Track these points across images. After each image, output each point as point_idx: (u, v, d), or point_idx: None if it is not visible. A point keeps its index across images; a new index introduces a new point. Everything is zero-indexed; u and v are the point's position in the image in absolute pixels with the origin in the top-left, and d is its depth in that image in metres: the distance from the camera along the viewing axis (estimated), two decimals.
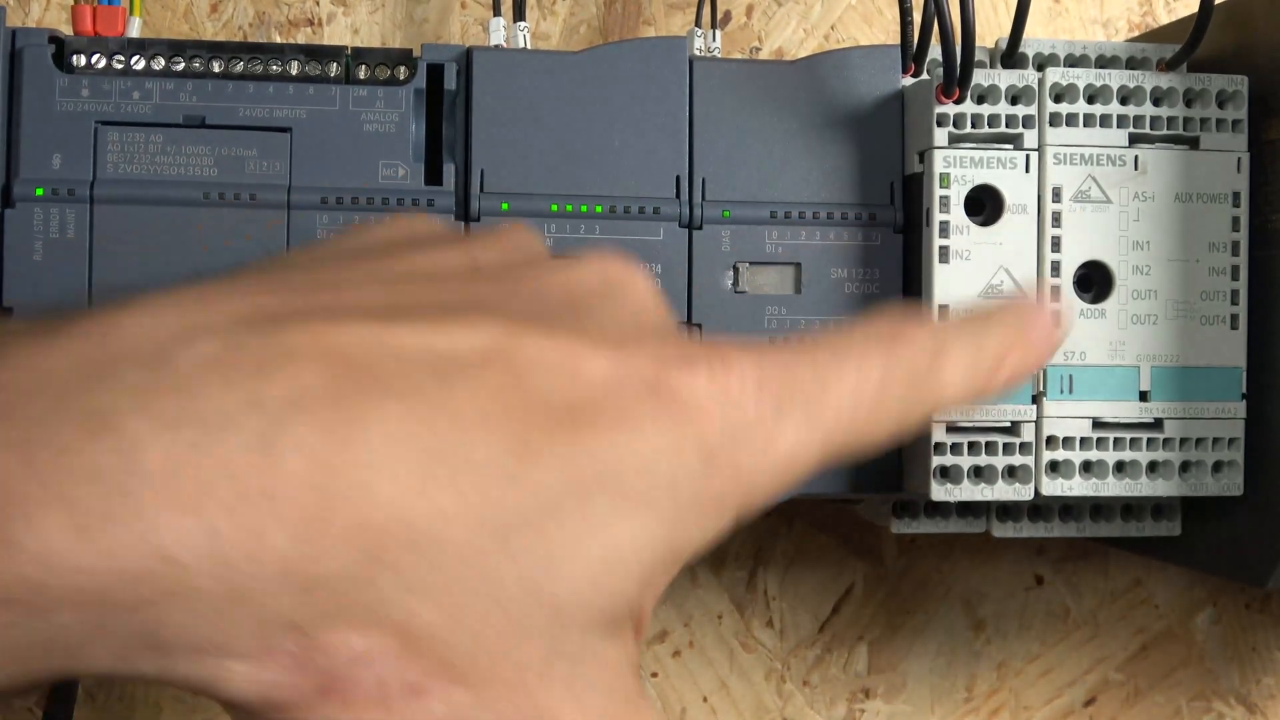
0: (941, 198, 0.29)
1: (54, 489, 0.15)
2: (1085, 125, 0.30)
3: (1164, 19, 0.39)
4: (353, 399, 0.17)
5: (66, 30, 0.31)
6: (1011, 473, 0.30)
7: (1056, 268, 0.30)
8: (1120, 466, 0.30)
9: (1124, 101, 0.30)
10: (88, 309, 0.17)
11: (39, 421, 0.15)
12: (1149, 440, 0.30)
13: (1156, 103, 0.30)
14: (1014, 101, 0.30)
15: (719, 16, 0.37)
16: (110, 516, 0.15)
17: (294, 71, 0.30)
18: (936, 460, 0.29)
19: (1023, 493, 0.30)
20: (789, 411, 0.19)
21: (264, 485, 0.16)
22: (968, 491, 0.30)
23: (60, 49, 0.29)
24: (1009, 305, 0.26)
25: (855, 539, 0.38)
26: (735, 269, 0.31)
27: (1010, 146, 0.30)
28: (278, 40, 0.37)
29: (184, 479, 0.15)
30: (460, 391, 0.17)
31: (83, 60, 0.30)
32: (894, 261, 0.31)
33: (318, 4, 0.37)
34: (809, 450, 0.20)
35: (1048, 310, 0.26)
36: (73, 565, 0.15)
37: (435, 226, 0.24)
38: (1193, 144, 0.30)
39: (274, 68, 0.30)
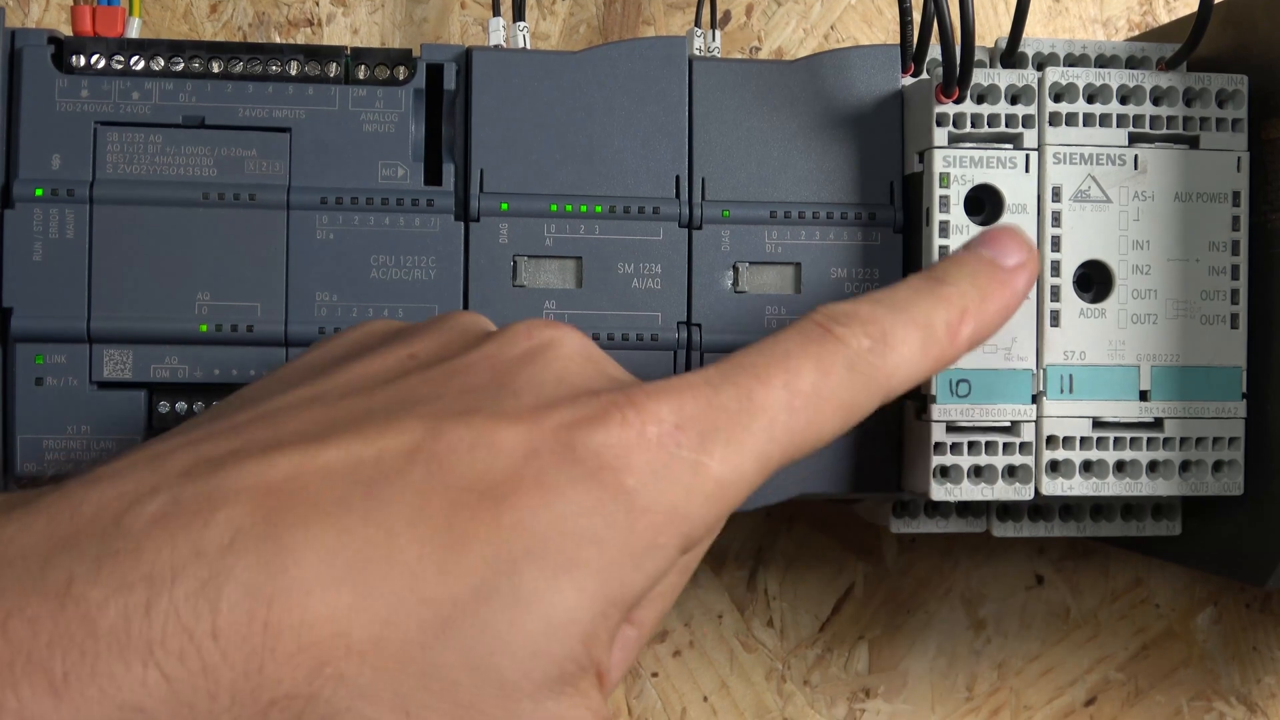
0: (941, 197, 0.29)
1: (28, 656, 0.16)
2: (1085, 125, 0.30)
3: (1164, 18, 0.39)
4: (284, 529, 0.18)
5: (66, 30, 0.31)
6: (1011, 472, 0.30)
7: (1056, 267, 0.30)
8: (1120, 466, 0.30)
9: (1124, 101, 0.30)
10: (58, 486, 0.19)
11: (13, 592, 0.17)
12: (1149, 440, 0.30)
13: (1156, 102, 0.30)
14: (1014, 101, 0.30)
15: (719, 16, 0.37)
16: (78, 677, 0.16)
17: (293, 71, 0.30)
18: (936, 460, 0.29)
19: (1023, 492, 0.30)
20: (714, 440, 0.20)
21: (209, 628, 0.17)
22: (968, 491, 0.30)
23: (60, 49, 0.29)
24: (963, 261, 0.26)
25: (855, 539, 0.38)
26: (735, 269, 0.31)
27: (1010, 146, 0.30)
28: (277, 40, 0.37)
29: (135, 636, 0.17)
30: (386, 497, 0.18)
31: (82, 61, 0.30)
32: (894, 261, 0.31)
33: (317, 4, 0.37)
34: (744, 471, 0.20)
35: (1007, 258, 0.26)
36: None
37: (388, 327, 0.25)
38: (1192, 143, 0.30)
39: (273, 68, 0.30)
